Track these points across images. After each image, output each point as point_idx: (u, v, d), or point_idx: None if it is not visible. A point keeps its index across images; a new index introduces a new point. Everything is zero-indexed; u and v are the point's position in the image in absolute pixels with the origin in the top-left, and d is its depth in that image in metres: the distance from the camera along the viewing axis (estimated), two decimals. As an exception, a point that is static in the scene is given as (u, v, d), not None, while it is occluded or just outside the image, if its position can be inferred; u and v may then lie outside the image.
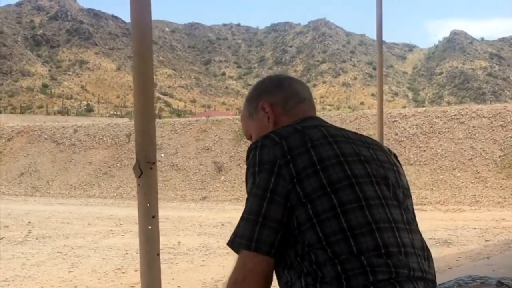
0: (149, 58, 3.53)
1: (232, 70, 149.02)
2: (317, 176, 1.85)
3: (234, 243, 1.85)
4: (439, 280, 5.22)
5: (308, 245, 1.81)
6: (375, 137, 7.78)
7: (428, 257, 1.99)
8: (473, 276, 4.20)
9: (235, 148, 26.76)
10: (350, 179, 1.87)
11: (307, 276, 1.82)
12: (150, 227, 3.42)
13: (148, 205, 3.44)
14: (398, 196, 1.96)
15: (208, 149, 27.59)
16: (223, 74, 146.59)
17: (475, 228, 14.45)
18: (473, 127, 22.86)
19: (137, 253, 11.00)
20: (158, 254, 3.50)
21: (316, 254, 1.81)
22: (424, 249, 1.97)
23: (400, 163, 2.11)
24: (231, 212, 19.34)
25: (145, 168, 3.43)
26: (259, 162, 1.86)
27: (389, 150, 2.10)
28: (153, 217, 3.44)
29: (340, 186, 1.85)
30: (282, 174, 1.83)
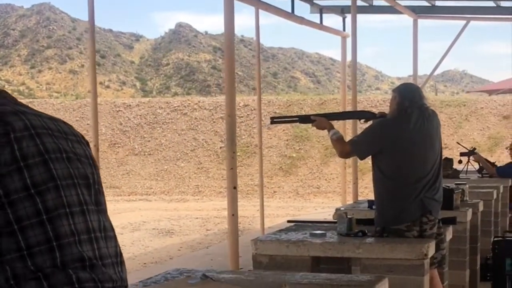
0: None
1: None
2: (21, 175, 1.59)
3: None
4: (158, 270, 5.14)
5: (1, 255, 1.55)
6: (91, 128, 7.59)
7: (122, 262, 1.79)
8: (181, 270, 4.23)
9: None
10: (56, 181, 1.64)
11: None
12: None
13: None
14: (98, 197, 1.76)
15: None
16: None
17: (197, 218, 14.85)
18: (195, 118, 23.48)
19: None
20: None
21: (13, 267, 1.57)
22: (118, 255, 1.77)
23: (91, 152, 1.85)
24: None
25: None
26: None
27: (82, 137, 1.83)
28: None
29: (45, 189, 1.61)
30: None
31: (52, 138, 1.67)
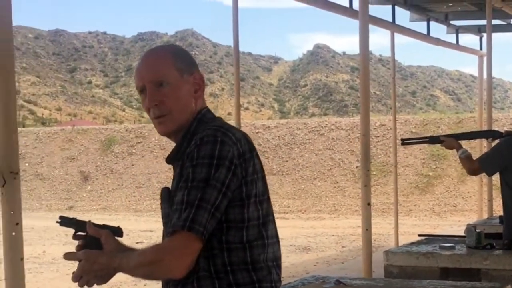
0: (10, 67, 3.63)
1: (99, 79, 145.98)
2: (255, 184, 2.03)
3: (193, 229, 1.89)
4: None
5: (227, 242, 1.99)
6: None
7: None
8: (316, 276, 4.58)
9: (102, 157, 26.51)
10: (265, 194, 2.10)
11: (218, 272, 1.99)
12: (13, 234, 3.54)
13: (12, 212, 3.56)
14: (272, 209, 2.19)
15: (74, 158, 27.18)
16: (90, 82, 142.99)
17: (333, 235, 15.11)
18: (332, 138, 23.76)
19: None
20: (22, 259, 3.64)
21: (232, 255, 1.99)
22: None
23: None
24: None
25: (9, 178, 3.54)
26: (219, 156, 1.94)
27: None
28: (17, 224, 3.56)
29: (263, 199, 2.07)
30: (236, 173, 1.96)
31: (258, 160, 2.12)
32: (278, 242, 2.15)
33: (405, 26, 10.69)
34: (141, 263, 1.95)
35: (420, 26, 11.42)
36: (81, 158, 26.95)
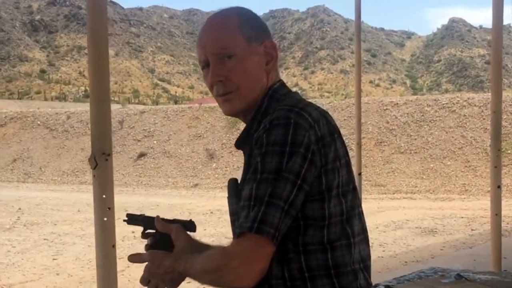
0: (104, 46, 3.48)
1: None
2: (337, 173, 1.69)
3: (262, 231, 1.59)
4: (418, 268, 5.09)
5: (304, 244, 1.67)
6: (355, 126, 7.76)
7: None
8: (436, 269, 4.23)
9: (227, 135, 26.75)
10: (350, 184, 1.73)
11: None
12: (105, 219, 3.39)
13: (104, 196, 3.40)
14: (359, 200, 1.82)
15: (200, 136, 27.59)
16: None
17: (462, 217, 14.47)
18: (464, 115, 22.84)
19: (122, 240, 11.04)
20: (114, 246, 3.47)
21: (310, 259, 1.67)
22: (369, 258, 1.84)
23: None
24: (221, 199, 19.33)
25: (100, 159, 3.39)
26: (292, 142, 1.62)
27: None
28: (109, 208, 3.40)
29: (348, 189, 1.72)
30: (314, 161, 1.63)
31: (341, 142, 1.74)
32: (366, 238, 1.78)
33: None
34: (206, 268, 1.65)
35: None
36: (207, 136, 27.30)
